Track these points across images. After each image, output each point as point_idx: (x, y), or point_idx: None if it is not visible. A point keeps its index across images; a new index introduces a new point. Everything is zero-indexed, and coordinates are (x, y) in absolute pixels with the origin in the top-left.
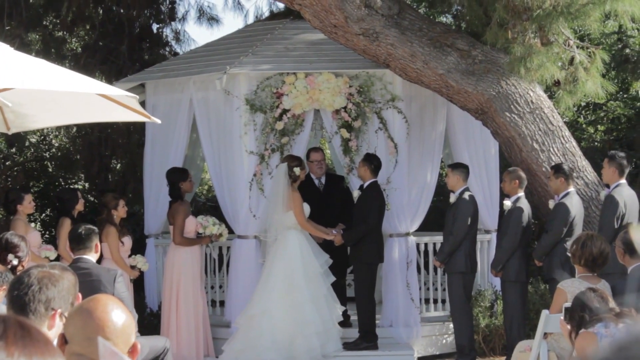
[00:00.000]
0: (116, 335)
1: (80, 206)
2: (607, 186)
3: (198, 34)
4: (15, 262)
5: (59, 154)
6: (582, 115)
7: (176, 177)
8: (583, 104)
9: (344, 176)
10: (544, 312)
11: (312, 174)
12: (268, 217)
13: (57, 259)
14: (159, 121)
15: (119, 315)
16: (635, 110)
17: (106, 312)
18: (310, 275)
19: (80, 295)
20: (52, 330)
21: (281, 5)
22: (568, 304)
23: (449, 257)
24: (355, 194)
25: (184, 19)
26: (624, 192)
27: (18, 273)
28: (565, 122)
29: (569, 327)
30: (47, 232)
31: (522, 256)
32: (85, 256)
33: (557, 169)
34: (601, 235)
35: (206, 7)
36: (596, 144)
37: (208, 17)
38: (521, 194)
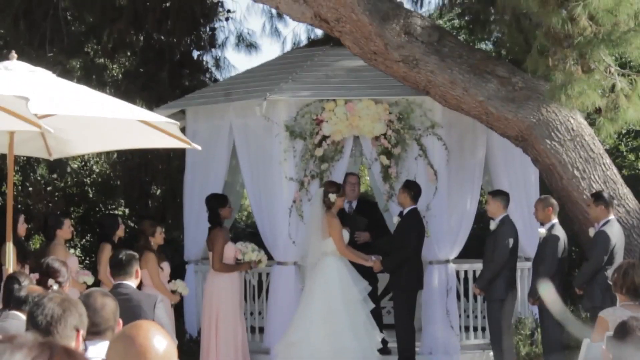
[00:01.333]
0: None
1: (120, 232)
2: None
3: (237, 61)
4: (55, 287)
5: (100, 179)
6: (623, 143)
7: (215, 203)
8: (624, 131)
9: (377, 202)
10: (586, 341)
11: (345, 197)
12: (306, 243)
13: (96, 284)
14: (199, 147)
15: (160, 341)
16: None
17: (148, 339)
18: (349, 302)
19: (121, 322)
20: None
21: (319, 32)
22: (610, 333)
23: (488, 284)
24: (395, 220)
25: (223, 45)
26: None
27: None
28: (606, 150)
29: (611, 356)
30: (87, 258)
31: (559, 284)
32: (125, 282)
33: (598, 196)
34: None
35: (245, 33)
36: (638, 171)
37: (247, 44)
38: (555, 221)
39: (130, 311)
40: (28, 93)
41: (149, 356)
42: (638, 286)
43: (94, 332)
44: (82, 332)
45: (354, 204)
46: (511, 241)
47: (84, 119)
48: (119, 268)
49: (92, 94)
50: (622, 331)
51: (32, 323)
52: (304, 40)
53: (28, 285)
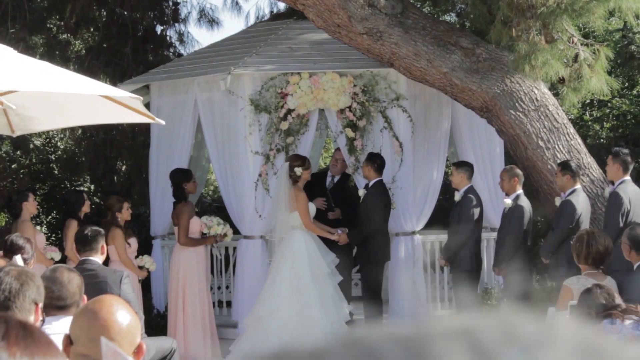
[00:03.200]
0: (121, 336)
1: (86, 208)
2: (612, 183)
3: (201, 36)
4: (21, 263)
5: (65, 156)
6: (587, 112)
7: (180, 178)
8: (588, 101)
9: (350, 175)
10: (550, 309)
11: (329, 171)
12: (273, 217)
13: (63, 259)
14: (163, 122)
15: (124, 315)
16: None
17: (111, 313)
18: (317, 275)
19: (85, 297)
20: (37, 323)
21: (282, 6)
22: (574, 302)
23: (454, 255)
24: (361, 192)
25: (186, 20)
26: (628, 188)
27: None
28: (570, 119)
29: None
30: (54, 235)
31: (524, 254)
32: (91, 258)
33: (564, 166)
34: (606, 232)
35: (208, 8)
36: (602, 140)
37: (209, 19)
38: (520, 191)
39: (96, 287)
40: None
41: (112, 331)
42: (602, 254)
43: (59, 306)
44: (40, 305)
45: (336, 179)
46: (476, 212)
47: (46, 95)
48: (85, 244)
49: (55, 70)
50: (586, 298)
51: None
52: (267, 15)
53: None
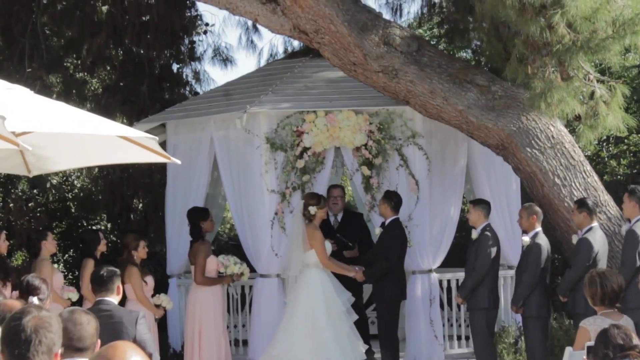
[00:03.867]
0: None
1: (102, 247)
2: (629, 220)
3: (216, 74)
4: (37, 304)
5: (81, 194)
6: (604, 149)
7: (197, 216)
8: (605, 137)
9: (362, 213)
10: (568, 350)
11: (329, 210)
12: (288, 255)
13: (80, 299)
14: (178, 162)
15: None
16: None
17: (124, 359)
18: (333, 314)
19: (99, 342)
20: None
21: (297, 44)
22: (591, 343)
23: (471, 293)
24: (377, 231)
25: (201, 58)
26: None
27: None
28: (587, 156)
29: None
30: (70, 273)
31: (542, 292)
32: (107, 298)
33: (581, 203)
34: (623, 270)
35: (223, 47)
36: (619, 177)
37: (223, 58)
38: (539, 229)
39: (112, 327)
40: (5, 110)
41: None
42: (617, 293)
43: (78, 348)
44: (59, 351)
45: (340, 217)
46: (493, 250)
47: (62, 135)
48: (100, 284)
49: (70, 110)
50: (604, 339)
51: (7, 353)
52: (281, 52)
53: (2, 300)
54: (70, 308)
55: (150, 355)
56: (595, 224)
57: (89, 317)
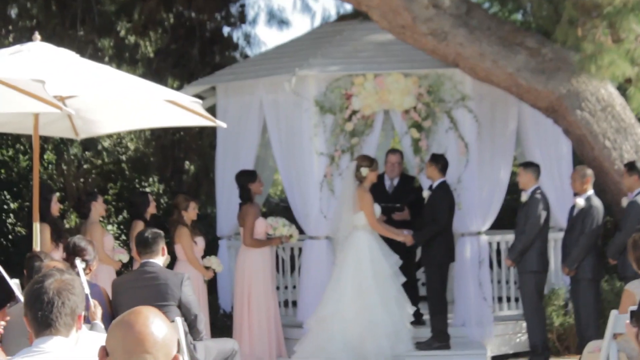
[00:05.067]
0: (156, 349)
1: (152, 209)
2: None
3: (268, 37)
4: (81, 266)
5: (134, 157)
6: None
7: (245, 179)
8: None
9: (415, 176)
10: (613, 313)
11: (386, 174)
12: (337, 217)
13: (131, 261)
14: (224, 125)
15: (159, 327)
16: None
17: (146, 326)
18: (380, 276)
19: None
20: (80, 331)
21: (349, 7)
22: (635, 307)
23: (521, 256)
24: (425, 194)
25: (254, 21)
26: None
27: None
28: (639, 119)
29: (635, 329)
30: (124, 235)
31: (596, 254)
32: (152, 260)
33: (631, 166)
34: None
35: (276, 10)
36: None
37: (278, 20)
38: (591, 191)
39: (157, 289)
40: (51, 74)
41: (147, 343)
42: None
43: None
44: (83, 313)
45: (396, 181)
46: (543, 213)
47: (109, 99)
48: (145, 246)
49: (116, 74)
50: None
51: (32, 316)
52: (333, 16)
53: (46, 262)
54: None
55: (195, 317)
56: None
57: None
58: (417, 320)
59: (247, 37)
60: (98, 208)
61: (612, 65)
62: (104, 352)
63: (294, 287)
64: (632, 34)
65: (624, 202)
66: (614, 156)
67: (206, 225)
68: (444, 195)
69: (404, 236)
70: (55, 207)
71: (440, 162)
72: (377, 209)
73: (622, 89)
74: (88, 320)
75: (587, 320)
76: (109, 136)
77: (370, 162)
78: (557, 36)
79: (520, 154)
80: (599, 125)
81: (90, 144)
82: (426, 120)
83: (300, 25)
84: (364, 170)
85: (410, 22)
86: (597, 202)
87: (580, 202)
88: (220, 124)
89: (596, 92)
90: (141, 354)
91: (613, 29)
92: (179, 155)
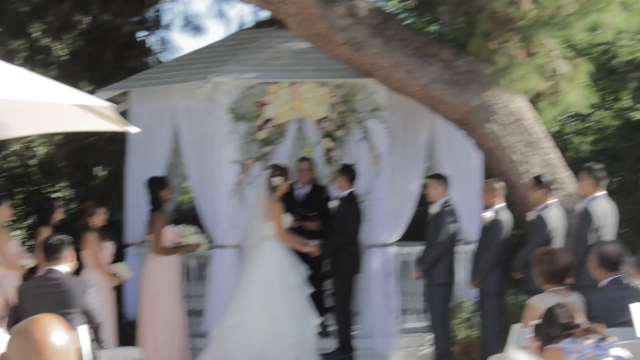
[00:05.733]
0: (55, 358)
1: (59, 215)
2: (584, 198)
3: (184, 43)
4: None
5: (44, 161)
6: (568, 126)
7: (155, 185)
8: (570, 114)
9: (326, 186)
10: (516, 326)
11: (297, 184)
12: (248, 226)
13: (37, 267)
14: (136, 130)
15: (59, 336)
16: (623, 120)
17: (45, 334)
18: (287, 287)
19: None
20: None
21: (265, 14)
22: (537, 321)
23: (430, 267)
24: (334, 204)
25: (169, 27)
26: (600, 204)
27: None
28: (551, 133)
29: (537, 343)
30: (33, 240)
31: (503, 268)
32: (56, 267)
33: (537, 180)
34: (578, 248)
35: (191, 15)
36: (583, 154)
37: (193, 26)
38: (501, 205)
39: (61, 296)
40: None
41: (46, 352)
42: (566, 270)
43: None
44: None
45: (307, 190)
46: (453, 225)
47: (21, 101)
48: (49, 253)
49: (28, 76)
50: (548, 317)
51: None
52: (249, 22)
53: None
54: None
55: (99, 325)
56: (551, 201)
57: None
58: (323, 331)
59: (163, 43)
60: (3, 213)
61: (524, 79)
62: None
63: (201, 296)
64: (544, 48)
65: (530, 216)
66: (522, 170)
67: (115, 232)
68: (352, 206)
69: (311, 247)
70: None
71: (349, 172)
72: (287, 219)
73: (533, 102)
74: None
75: (490, 333)
76: (19, 139)
77: (283, 171)
78: (471, 49)
79: (431, 166)
80: (508, 139)
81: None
82: (339, 130)
83: (216, 32)
84: (277, 180)
85: (326, 31)
86: (504, 216)
87: (487, 215)
88: (132, 129)
89: (507, 106)
90: None
91: (526, 43)
92: (89, 160)
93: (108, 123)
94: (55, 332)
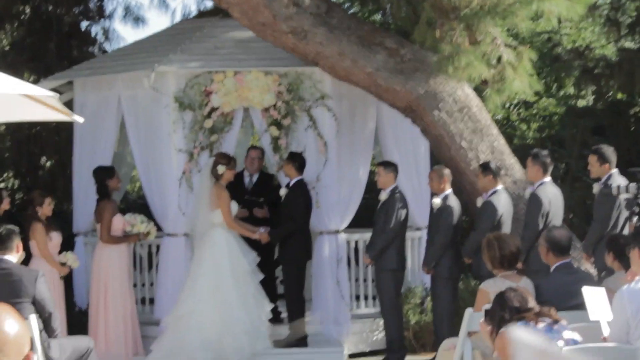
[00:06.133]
0: (8, 347)
1: (5, 205)
2: (532, 184)
3: (126, 32)
4: None
5: None
6: (514, 113)
7: (102, 175)
8: (515, 101)
9: (274, 174)
10: (468, 311)
11: (246, 169)
12: (195, 214)
13: None
14: (81, 120)
15: (11, 325)
16: (567, 108)
17: None
18: (238, 274)
19: None
20: None
21: (209, 4)
22: (489, 306)
23: (380, 254)
24: (282, 192)
25: (111, 16)
26: (548, 190)
27: None
28: (497, 120)
29: (489, 328)
30: None
31: (454, 253)
32: (5, 257)
33: (485, 167)
34: (526, 233)
35: (133, 5)
36: (529, 141)
37: (134, 17)
38: (449, 191)
39: (11, 286)
40: None
41: None
42: (515, 255)
43: None
44: None
45: (255, 178)
46: (402, 212)
47: None
48: None
49: None
50: (500, 301)
51: None
52: (193, 12)
53: None
54: None
55: (50, 314)
56: (500, 187)
57: None
58: (275, 317)
59: (106, 32)
60: None
61: (469, 66)
62: None
63: (152, 284)
64: (489, 36)
65: (479, 202)
66: (470, 156)
67: (62, 221)
68: (301, 194)
69: (260, 234)
70: None
71: (297, 160)
72: (234, 206)
73: (479, 90)
74: None
75: (443, 318)
76: None
77: (228, 160)
78: (416, 37)
79: (379, 153)
80: (456, 126)
81: None
82: (285, 118)
83: (158, 22)
84: (221, 168)
85: (271, 20)
86: (453, 202)
87: (437, 201)
88: (77, 118)
89: (453, 93)
90: None
91: (470, 31)
92: (34, 150)
93: (53, 113)
94: (7, 320)
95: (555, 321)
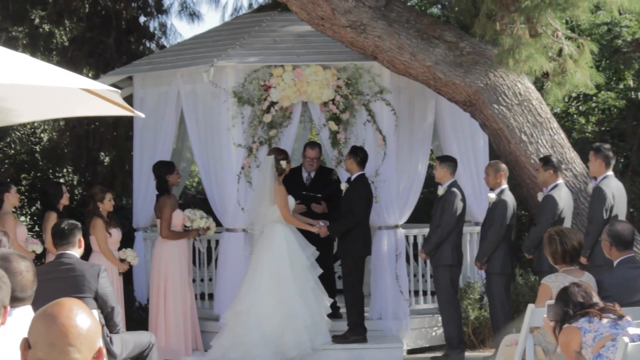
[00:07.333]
0: (80, 341)
1: (65, 200)
2: (595, 179)
3: (182, 28)
4: None
5: (48, 147)
6: (573, 106)
7: (162, 170)
8: (574, 94)
9: (333, 169)
10: (530, 307)
11: (303, 168)
12: (254, 210)
13: (44, 252)
14: (142, 115)
15: (83, 320)
16: (627, 100)
17: (70, 318)
18: (297, 269)
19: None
20: (3, 326)
21: None
22: (551, 301)
23: (435, 249)
24: (343, 186)
25: (167, 12)
26: (611, 184)
27: None
28: (555, 113)
29: (552, 324)
30: (37, 226)
31: (507, 249)
32: (68, 251)
33: (546, 161)
34: (591, 227)
35: (189, 1)
36: (587, 135)
37: (190, 12)
38: (505, 186)
39: (74, 281)
40: None
41: (71, 336)
42: (577, 250)
43: (19, 297)
44: (8, 307)
45: (313, 173)
46: (459, 207)
47: (24, 87)
48: (61, 237)
49: (32, 62)
50: (564, 297)
51: None
52: (245, 7)
53: None
54: (4, 254)
55: (112, 309)
56: (560, 181)
57: (27, 264)
58: (334, 313)
59: (163, 28)
60: (11, 199)
61: (530, 59)
62: (27, 344)
63: (210, 279)
64: (550, 28)
65: (539, 196)
66: (530, 150)
67: (121, 217)
68: (362, 188)
69: (319, 227)
70: None
71: (359, 155)
72: (291, 201)
73: (539, 83)
74: None
75: (499, 313)
76: (22, 126)
77: (285, 154)
78: (476, 30)
79: (437, 148)
80: (516, 120)
81: (2, 133)
82: (344, 112)
83: (209, 17)
84: (284, 163)
85: (330, 13)
86: (508, 197)
87: (492, 196)
88: (138, 114)
89: (513, 86)
90: (65, 347)
91: (530, 23)
92: (93, 146)
93: (115, 108)
94: (80, 315)
95: (620, 317)
